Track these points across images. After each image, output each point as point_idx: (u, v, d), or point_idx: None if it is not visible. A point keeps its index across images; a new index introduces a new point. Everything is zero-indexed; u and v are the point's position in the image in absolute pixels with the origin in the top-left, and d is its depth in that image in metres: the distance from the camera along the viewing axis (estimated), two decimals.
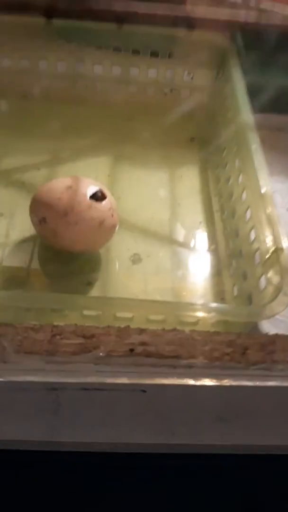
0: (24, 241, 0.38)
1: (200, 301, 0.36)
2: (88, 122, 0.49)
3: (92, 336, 0.26)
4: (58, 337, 0.26)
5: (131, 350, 0.26)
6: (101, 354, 0.25)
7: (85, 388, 0.26)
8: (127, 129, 0.50)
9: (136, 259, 0.38)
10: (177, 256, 0.39)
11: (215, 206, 0.43)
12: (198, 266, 0.38)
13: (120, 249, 0.38)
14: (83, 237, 0.34)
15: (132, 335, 0.26)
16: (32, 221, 0.35)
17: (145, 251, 0.38)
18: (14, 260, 0.37)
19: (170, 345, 0.26)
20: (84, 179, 0.35)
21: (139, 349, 0.26)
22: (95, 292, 0.35)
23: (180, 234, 0.40)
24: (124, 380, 0.26)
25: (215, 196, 0.44)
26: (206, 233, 0.41)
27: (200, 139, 0.50)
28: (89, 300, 0.32)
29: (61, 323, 0.27)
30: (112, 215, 0.34)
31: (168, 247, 0.39)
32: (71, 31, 0.48)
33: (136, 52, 0.49)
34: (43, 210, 0.34)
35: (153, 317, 0.29)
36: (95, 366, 0.25)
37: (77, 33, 0.48)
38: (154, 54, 0.50)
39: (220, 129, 0.46)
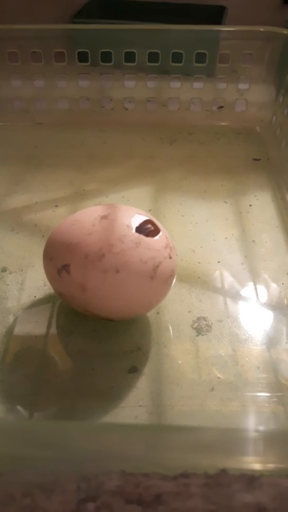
0: (35, 306, 0.26)
1: None
2: (119, 148, 0.40)
3: (158, 498, 0.13)
4: (91, 504, 0.13)
5: None
6: None
7: None
8: (169, 154, 0.39)
9: (202, 327, 0.25)
10: (264, 317, 0.26)
11: None
12: None
13: (177, 312, 0.26)
14: (128, 292, 0.21)
15: (238, 494, 0.13)
16: (47, 273, 0.23)
17: (214, 312, 0.26)
18: (19, 339, 0.25)
19: None
20: (123, 206, 0.23)
21: None
22: (141, 383, 0.22)
23: (264, 282, 0.27)
24: None
25: None
26: None
27: (267, 159, 0.38)
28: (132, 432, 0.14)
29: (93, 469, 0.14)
30: (171, 257, 0.22)
31: (249, 303, 0.26)
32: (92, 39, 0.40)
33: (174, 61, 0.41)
34: (64, 254, 0.21)
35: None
36: None
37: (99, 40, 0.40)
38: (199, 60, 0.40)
39: None
